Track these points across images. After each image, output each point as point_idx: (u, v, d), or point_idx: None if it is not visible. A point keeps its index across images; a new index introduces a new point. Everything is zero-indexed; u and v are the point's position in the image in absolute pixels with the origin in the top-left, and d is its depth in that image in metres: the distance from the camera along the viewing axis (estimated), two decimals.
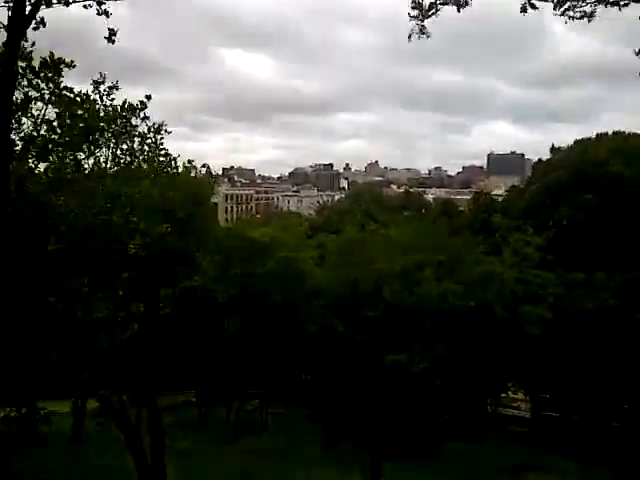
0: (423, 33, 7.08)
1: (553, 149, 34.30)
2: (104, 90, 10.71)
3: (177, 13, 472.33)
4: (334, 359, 22.59)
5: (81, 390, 13.69)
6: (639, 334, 22.97)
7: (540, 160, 37.30)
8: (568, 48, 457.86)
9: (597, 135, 33.60)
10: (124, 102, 12.19)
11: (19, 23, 6.86)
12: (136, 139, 13.11)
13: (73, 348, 8.28)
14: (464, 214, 37.33)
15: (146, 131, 13.16)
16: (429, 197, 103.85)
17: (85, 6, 6.94)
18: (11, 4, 6.61)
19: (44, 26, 7.00)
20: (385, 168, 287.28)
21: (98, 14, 6.96)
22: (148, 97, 12.70)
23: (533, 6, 6.99)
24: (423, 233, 25.37)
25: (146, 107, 12.60)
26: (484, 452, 22.45)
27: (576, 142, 33.34)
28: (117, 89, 10.85)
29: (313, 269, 24.45)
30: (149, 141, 13.56)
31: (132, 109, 12.50)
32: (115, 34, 7.20)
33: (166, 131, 13.81)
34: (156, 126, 13.40)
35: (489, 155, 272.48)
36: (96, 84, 10.46)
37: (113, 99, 11.18)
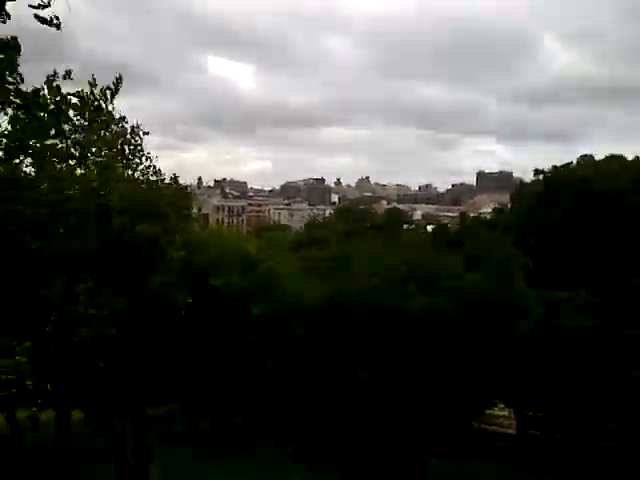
0: None
1: (537, 172, 34.61)
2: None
3: (157, 20, 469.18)
4: (306, 375, 22.42)
5: (65, 400, 13.58)
6: (623, 352, 23.22)
7: (522, 183, 37.89)
8: (557, 65, 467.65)
9: (581, 157, 34.56)
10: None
11: None
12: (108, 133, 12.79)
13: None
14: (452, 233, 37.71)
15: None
16: (418, 213, 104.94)
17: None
18: None
19: (9, 18, 6.27)
20: (376, 184, 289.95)
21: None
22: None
23: None
24: (405, 249, 25.47)
25: (117, 92, 11.91)
26: (465, 470, 22.49)
27: (554, 167, 34.20)
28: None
29: (286, 283, 23.54)
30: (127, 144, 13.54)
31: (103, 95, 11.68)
32: (58, 19, 6.13)
33: (144, 132, 13.84)
34: (132, 127, 13.31)
35: (478, 173, 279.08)
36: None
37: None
